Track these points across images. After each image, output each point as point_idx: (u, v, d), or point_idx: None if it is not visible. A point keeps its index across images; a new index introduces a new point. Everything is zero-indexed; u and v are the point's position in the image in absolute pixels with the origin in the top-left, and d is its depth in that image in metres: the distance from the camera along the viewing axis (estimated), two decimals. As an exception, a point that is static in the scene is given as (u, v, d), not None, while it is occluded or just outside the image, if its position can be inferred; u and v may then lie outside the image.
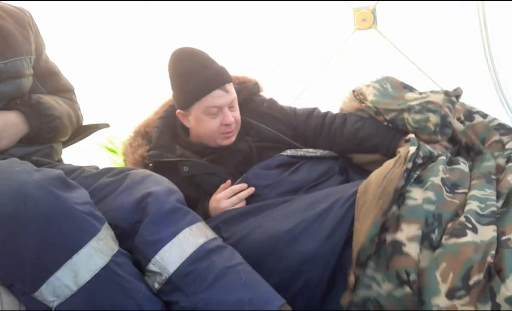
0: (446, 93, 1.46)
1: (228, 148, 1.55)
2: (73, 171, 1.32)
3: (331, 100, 1.81)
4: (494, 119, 1.53)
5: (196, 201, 1.50)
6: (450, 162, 1.32)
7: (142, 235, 1.12)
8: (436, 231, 1.10)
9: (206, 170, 1.51)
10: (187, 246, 1.11)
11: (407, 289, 1.05)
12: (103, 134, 2.05)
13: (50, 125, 1.38)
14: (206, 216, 1.38)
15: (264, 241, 1.21)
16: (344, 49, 2.57)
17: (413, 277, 1.04)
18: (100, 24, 2.49)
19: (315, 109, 1.67)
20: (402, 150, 1.29)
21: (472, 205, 1.14)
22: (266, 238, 1.21)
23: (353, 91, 1.63)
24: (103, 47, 2.49)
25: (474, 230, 1.07)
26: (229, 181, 1.47)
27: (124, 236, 1.14)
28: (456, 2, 2.41)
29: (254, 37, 2.59)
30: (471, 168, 1.33)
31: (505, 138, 1.44)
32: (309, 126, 1.62)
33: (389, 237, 1.11)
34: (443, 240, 1.08)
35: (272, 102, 1.68)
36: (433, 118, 1.38)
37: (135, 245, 1.13)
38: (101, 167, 1.38)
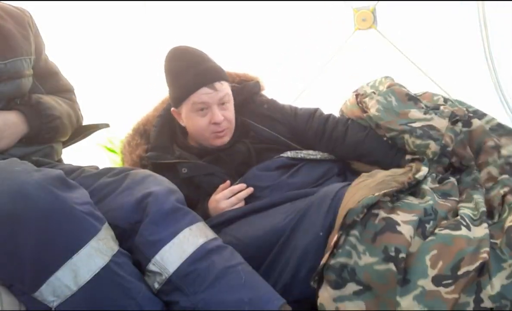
0: (452, 116, 1.44)
1: (226, 149, 1.54)
2: (73, 171, 1.32)
3: (331, 100, 1.80)
4: (493, 119, 1.51)
5: (196, 202, 1.50)
6: (441, 180, 1.36)
7: (142, 235, 1.12)
8: (431, 222, 1.13)
9: (205, 171, 1.51)
10: (187, 246, 1.11)
11: (391, 265, 1.04)
12: (103, 134, 2.05)
13: (50, 125, 1.38)
14: (205, 217, 1.38)
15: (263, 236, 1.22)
16: (344, 49, 2.57)
17: (402, 254, 1.04)
18: (100, 24, 2.49)
19: (317, 109, 1.64)
20: (414, 166, 1.34)
21: (465, 210, 1.18)
22: (264, 234, 1.23)
23: (356, 96, 1.61)
24: (103, 47, 2.49)
25: (468, 227, 1.11)
26: (228, 182, 1.47)
27: (124, 236, 1.14)
28: (456, 2, 2.42)
29: (254, 37, 2.59)
30: (459, 181, 1.37)
31: (503, 140, 1.43)
32: (310, 127, 1.60)
33: (382, 214, 1.12)
34: (436, 230, 1.11)
35: (272, 103, 1.66)
36: (433, 147, 1.39)
37: (135, 245, 1.13)
38: (101, 167, 1.38)
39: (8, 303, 1.04)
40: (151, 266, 1.10)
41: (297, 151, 1.55)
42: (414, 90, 1.61)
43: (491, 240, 1.08)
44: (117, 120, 1.91)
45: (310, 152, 1.56)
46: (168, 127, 1.62)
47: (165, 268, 1.09)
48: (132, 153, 1.58)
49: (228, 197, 1.43)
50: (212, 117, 1.48)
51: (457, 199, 1.27)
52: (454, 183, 1.33)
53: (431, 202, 1.19)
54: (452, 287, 1.00)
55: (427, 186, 1.27)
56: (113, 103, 2.41)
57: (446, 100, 1.55)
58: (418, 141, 1.41)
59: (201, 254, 1.11)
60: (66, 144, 1.56)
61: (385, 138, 1.50)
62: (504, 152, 1.39)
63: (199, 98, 1.47)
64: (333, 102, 1.76)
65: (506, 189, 1.28)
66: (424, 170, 1.31)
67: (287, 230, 1.22)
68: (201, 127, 1.50)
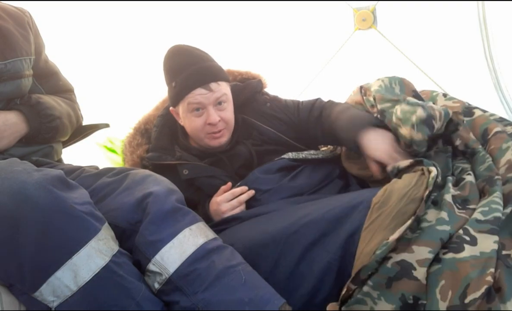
0: (454, 114, 1.37)
1: (227, 151, 1.53)
2: (73, 171, 1.32)
3: (331, 99, 1.80)
4: (494, 114, 1.46)
5: (196, 203, 1.50)
6: (457, 182, 1.26)
7: (142, 235, 1.12)
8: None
9: (206, 173, 1.49)
10: (187, 246, 1.11)
11: None
12: (103, 134, 2.05)
13: (50, 125, 1.38)
14: (206, 218, 1.37)
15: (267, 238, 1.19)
16: (344, 49, 2.57)
17: (422, 301, 1.01)
18: (100, 24, 2.49)
19: (317, 99, 1.64)
20: (424, 168, 1.21)
21: (476, 215, 1.10)
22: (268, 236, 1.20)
23: (360, 87, 1.57)
24: (103, 47, 2.50)
25: (473, 241, 1.04)
26: (229, 184, 1.46)
27: (124, 236, 1.14)
28: (456, 2, 2.42)
29: (254, 37, 2.59)
30: (475, 176, 1.27)
31: (508, 129, 1.36)
32: (312, 116, 1.59)
33: (396, 257, 1.05)
34: (440, 254, 1.04)
35: (275, 100, 1.65)
36: (419, 112, 1.30)
37: (135, 245, 1.12)
38: (101, 167, 1.38)
39: (8, 303, 1.03)
40: (151, 266, 1.10)
41: (298, 152, 1.53)
42: (413, 90, 1.61)
43: (503, 252, 1.02)
44: (117, 120, 1.91)
45: (312, 152, 1.55)
46: (169, 127, 1.62)
47: (165, 268, 1.09)
48: (133, 153, 1.58)
49: (229, 199, 1.42)
50: (208, 117, 1.46)
51: (475, 206, 1.15)
52: (471, 183, 1.23)
53: (448, 228, 1.08)
54: None
55: (449, 195, 1.15)
56: (113, 103, 2.42)
57: (445, 95, 1.53)
58: (406, 107, 1.32)
59: (201, 254, 1.11)
60: (66, 144, 1.56)
61: (375, 114, 1.43)
62: None
63: (194, 98, 1.45)
64: (333, 102, 1.76)
65: None
66: (434, 170, 1.17)
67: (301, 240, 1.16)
68: (196, 127, 1.49)
